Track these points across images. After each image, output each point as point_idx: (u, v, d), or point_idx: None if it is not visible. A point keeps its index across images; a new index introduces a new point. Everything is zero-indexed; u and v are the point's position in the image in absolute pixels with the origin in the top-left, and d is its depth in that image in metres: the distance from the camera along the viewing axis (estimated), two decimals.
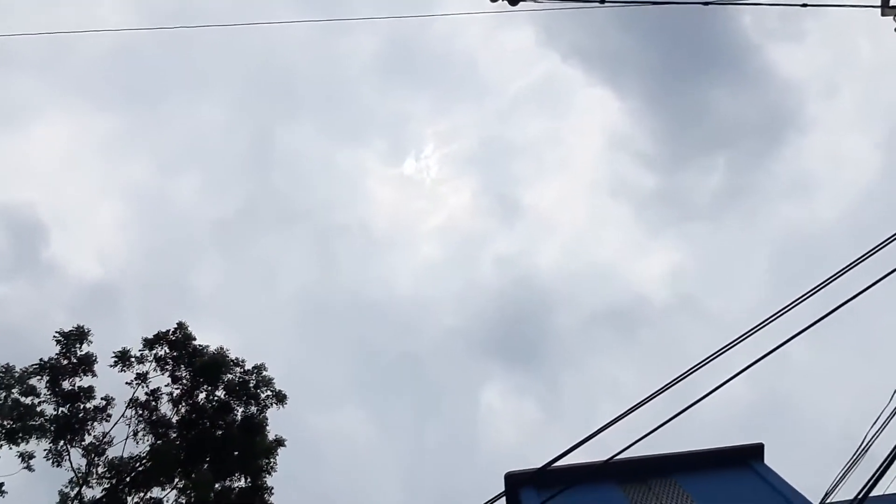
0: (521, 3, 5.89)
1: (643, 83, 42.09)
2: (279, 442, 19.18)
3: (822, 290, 5.11)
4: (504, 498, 11.87)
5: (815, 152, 41.81)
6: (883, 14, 9.34)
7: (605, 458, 5.33)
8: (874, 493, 4.79)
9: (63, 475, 17.83)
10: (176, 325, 19.51)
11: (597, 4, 6.00)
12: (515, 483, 11.74)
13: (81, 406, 18.20)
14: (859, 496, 4.09)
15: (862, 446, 4.77)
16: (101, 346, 18.94)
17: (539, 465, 5.47)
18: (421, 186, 52.92)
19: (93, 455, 17.99)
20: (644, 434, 4.61)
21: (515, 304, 42.92)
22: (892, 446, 4.12)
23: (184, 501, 17.99)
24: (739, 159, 41.66)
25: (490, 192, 51.19)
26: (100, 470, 17.88)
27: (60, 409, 18.01)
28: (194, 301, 39.18)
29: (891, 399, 4.66)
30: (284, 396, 19.55)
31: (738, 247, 43.44)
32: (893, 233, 4.73)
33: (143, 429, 18.76)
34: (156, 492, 18.11)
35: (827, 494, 5.33)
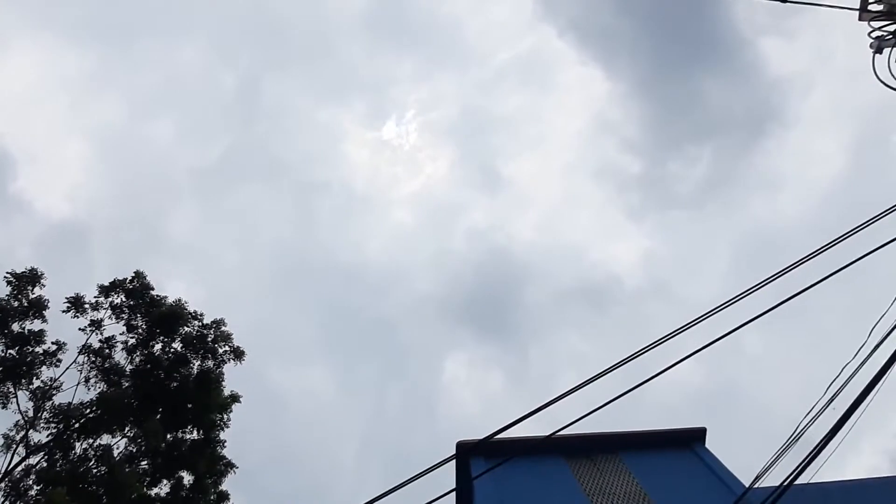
0: None
1: (635, 67, 42.12)
2: (234, 397, 19.13)
3: (778, 282, 5.25)
4: (454, 462, 12.10)
5: (792, 148, 42.75)
6: (860, 18, 9.47)
7: (561, 429, 5.42)
8: (812, 480, 5.01)
9: (9, 417, 17.53)
10: (133, 274, 19.18)
11: None
12: (466, 452, 11.96)
13: (30, 349, 17.79)
14: (785, 482, 4.28)
15: (794, 433, 4.98)
16: (66, 285, 18.53)
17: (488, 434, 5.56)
18: (399, 152, 52.38)
19: (40, 399, 17.68)
20: (589, 411, 4.71)
21: (488, 275, 43.25)
22: (823, 435, 4.31)
23: (133, 450, 17.88)
24: (724, 151, 42.29)
25: (469, 163, 51.01)
26: (47, 415, 17.59)
27: (8, 351, 17.58)
28: (166, 247, 38.40)
29: (826, 390, 4.86)
30: (242, 353, 19.45)
31: (715, 237, 44.42)
32: (845, 232, 4.87)
33: (95, 376, 18.49)
34: (105, 439, 17.96)
35: (757, 478, 5.58)
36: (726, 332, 5.10)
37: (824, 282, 5.15)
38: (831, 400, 4.72)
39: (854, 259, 4.72)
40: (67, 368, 18.22)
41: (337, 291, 44.48)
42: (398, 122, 52.70)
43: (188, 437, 18.61)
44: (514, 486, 11.42)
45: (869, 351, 4.91)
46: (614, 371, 4.95)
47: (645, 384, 4.83)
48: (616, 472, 12.34)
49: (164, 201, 43.34)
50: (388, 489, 4.57)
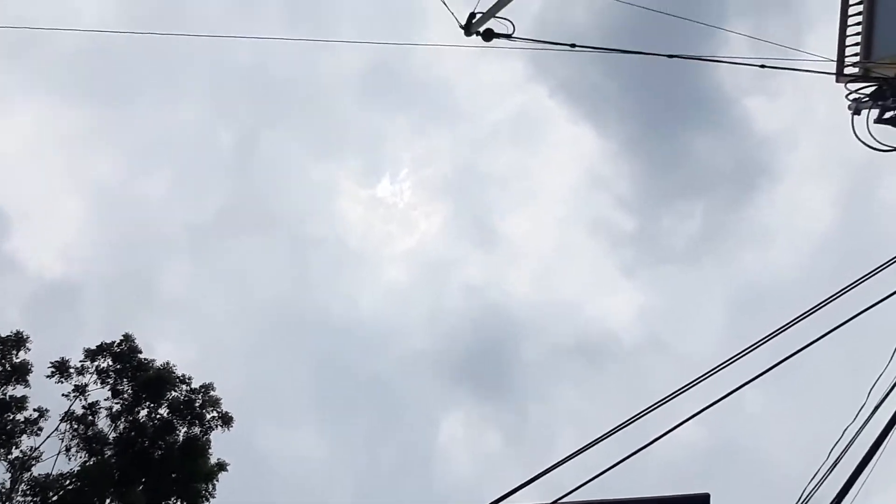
0: (495, 39, 5.98)
1: (624, 125, 43.41)
2: (221, 466, 18.49)
3: (776, 339, 5.22)
4: None
5: (781, 203, 43.74)
6: (837, 80, 9.87)
7: (560, 498, 5.23)
8: None
9: None
10: (122, 337, 18.85)
11: (567, 48, 6.15)
12: None
13: (11, 417, 17.26)
14: None
15: (799, 501, 4.82)
16: (55, 344, 18.23)
17: None
18: (393, 209, 53.06)
19: (18, 470, 17.00)
20: (591, 477, 4.55)
21: (484, 331, 42.92)
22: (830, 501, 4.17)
23: None
24: (716, 205, 43.14)
25: (463, 219, 51.59)
26: (25, 487, 16.88)
27: None
28: (158, 304, 37.93)
29: (829, 453, 4.74)
30: (231, 419, 18.93)
31: (710, 291, 44.64)
32: (844, 286, 4.90)
33: (77, 445, 17.90)
34: None
35: None
36: (728, 391, 5.02)
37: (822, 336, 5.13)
38: (834, 465, 4.61)
39: (854, 315, 4.72)
40: (48, 437, 17.69)
41: (330, 349, 43.98)
42: (392, 180, 53.66)
43: None
44: None
45: (869, 412, 4.85)
46: (616, 434, 4.83)
47: (648, 447, 4.71)
48: None
49: (158, 258, 43.32)
50: None
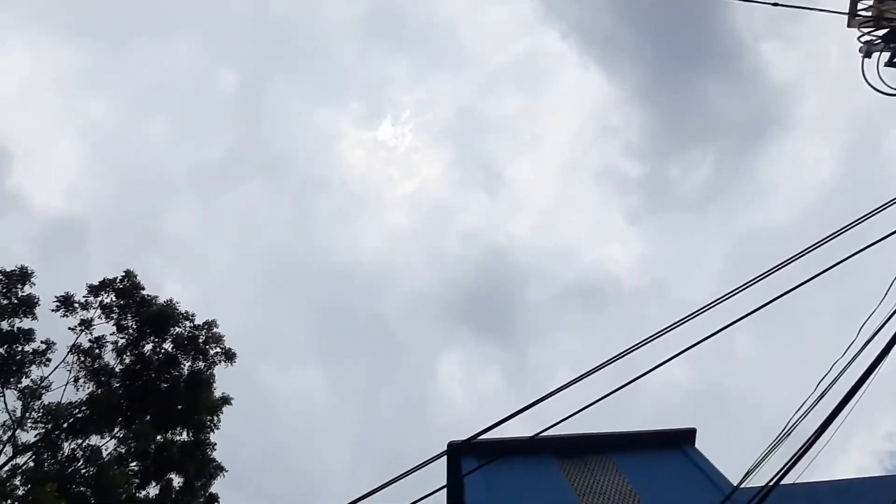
0: None
1: (636, 72, 42.37)
2: (225, 400, 19.05)
3: (771, 283, 5.29)
4: (446, 462, 12.08)
5: (790, 151, 43.24)
6: (849, 25, 9.59)
7: (551, 432, 5.41)
8: (803, 480, 5.03)
9: None
10: (124, 273, 19.05)
11: None
12: (457, 450, 11.95)
13: (19, 348, 17.64)
14: (772, 482, 4.31)
15: (783, 431, 5.02)
16: (62, 282, 18.43)
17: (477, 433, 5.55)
18: (394, 153, 52.44)
19: (29, 398, 17.52)
20: (577, 409, 4.72)
21: (486, 275, 43.42)
22: (811, 433, 4.34)
23: (123, 451, 17.75)
24: (726, 154, 42.68)
25: (465, 164, 51.16)
26: (35, 414, 17.44)
27: None
28: (163, 245, 38.24)
29: (816, 386, 4.91)
30: (234, 354, 19.38)
31: (715, 239, 44.80)
32: (833, 231, 4.93)
33: (84, 376, 18.36)
34: (94, 440, 17.82)
35: (745, 476, 5.62)
36: (716, 329, 5.13)
37: (816, 282, 5.20)
38: (821, 396, 4.77)
39: (841, 259, 4.78)
40: (56, 368, 18.11)
41: (332, 291, 44.56)
42: (394, 123, 52.82)
43: (178, 439, 18.50)
44: (505, 486, 11.43)
45: (858, 348, 4.97)
46: (608, 370, 4.98)
47: (635, 382, 4.86)
48: (607, 473, 12.37)
49: (162, 199, 43.32)
50: (378, 485, 4.57)
